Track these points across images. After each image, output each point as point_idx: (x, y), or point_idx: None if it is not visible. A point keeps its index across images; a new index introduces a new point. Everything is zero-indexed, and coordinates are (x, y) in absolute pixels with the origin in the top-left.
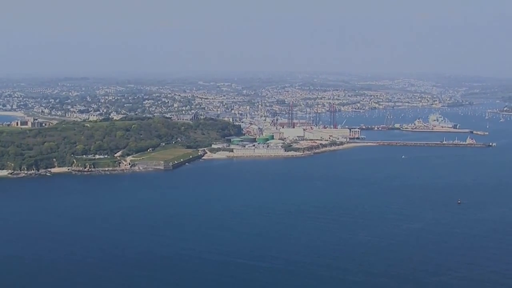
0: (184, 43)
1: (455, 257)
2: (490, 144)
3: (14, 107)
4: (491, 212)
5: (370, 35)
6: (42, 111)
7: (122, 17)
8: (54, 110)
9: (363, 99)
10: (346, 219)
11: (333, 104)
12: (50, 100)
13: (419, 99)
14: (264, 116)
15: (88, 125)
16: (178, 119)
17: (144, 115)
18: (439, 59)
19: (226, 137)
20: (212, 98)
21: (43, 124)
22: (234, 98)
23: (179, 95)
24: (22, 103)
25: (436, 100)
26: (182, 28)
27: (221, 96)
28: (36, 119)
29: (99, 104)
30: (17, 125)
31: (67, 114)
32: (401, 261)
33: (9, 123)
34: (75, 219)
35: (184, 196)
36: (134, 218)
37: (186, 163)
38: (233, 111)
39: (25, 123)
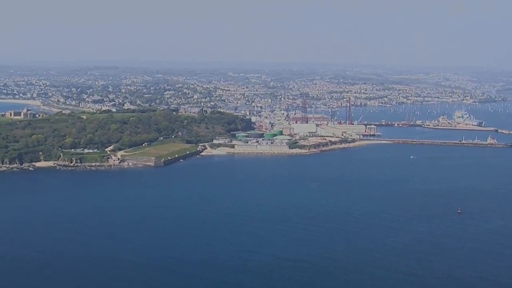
0: (220, 34)
1: (436, 280)
2: None
3: (34, 95)
4: (493, 224)
5: (408, 28)
6: (58, 100)
7: (156, 7)
8: (69, 99)
9: (391, 93)
10: (328, 229)
11: (350, 98)
12: (72, 89)
13: (450, 94)
14: (283, 110)
15: (84, 117)
16: (185, 112)
17: (160, 106)
18: (477, 53)
19: (231, 132)
20: (234, 90)
21: (37, 115)
22: (256, 90)
23: (201, 86)
24: (42, 91)
25: (467, 96)
26: (218, 19)
27: (243, 88)
28: (30, 110)
29: (119, 94)
30: (11, 115)
31: (81, 104)
32: (372, 284)
33: (3, 113)
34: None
35: (162, 196)
36: (92, 221)
37: (181, 159)
38: (253, 104)
39: (19, 113)
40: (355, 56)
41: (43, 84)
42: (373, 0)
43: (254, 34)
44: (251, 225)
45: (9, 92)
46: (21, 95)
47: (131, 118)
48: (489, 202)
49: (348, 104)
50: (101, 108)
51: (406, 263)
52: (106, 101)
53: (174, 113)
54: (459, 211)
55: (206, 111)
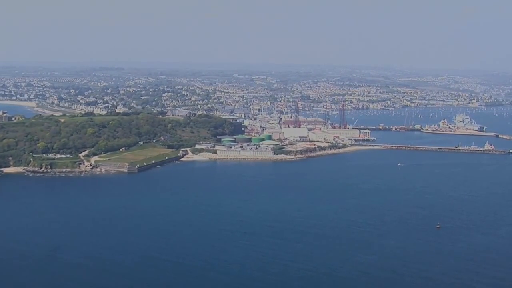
0: (229, 35)
1: None
2: (511, 151)
3: (32, 97)
4: (473, 240)
5: (419, 30)
6: (52, 102)
7: (164, 8)
8: (62, 101)
9: (395, 96)
10: (290, 245)
11: (343, 102)
12: (71, 91)
13: (456, 97)
14: (279, 113)
15: (62, 120)
16: (172, 115)
17: (155, 109)
18: (489, 55)
19: (218, 136)
20: (233, 92)
21: (13, 118)
22: (256, 92)
23: (201, 88)
24: (40, 93)
25: (473, 99)
26: (227, 21)
27: (242, 90)
28: (5, 113)
29: (117, 95)
30: None
31: (73, 106)
32: None
33: None
34: None
35: (125, 206)
36: (42, 232)
37: (158, 166)
38: (251, 106)
39: None
40: (365, 58)
41: (42, 85)
42: (385, 2)
43: (262, 35)
44: (211, 238)
45: (6, 93)
46: (18, 96)
47: (111, 122)
48: (474, 214)
49: (342, 108)
50: (92, 110)
51: (367, 286)
52: (100, 103)
53: (160, 116)
54: (438, 226)
55: (195, 114)
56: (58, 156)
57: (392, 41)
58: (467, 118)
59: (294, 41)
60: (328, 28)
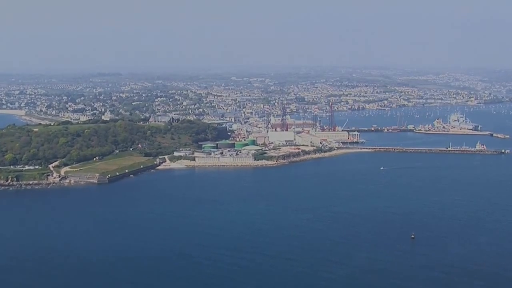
0: (228, 37)
1: None
2: (503, 151)
3: (23, 105)
4: (448, 252)
5: (418, 28)
6: (40, 110)
7: (162, 12)
8: (50, 109)
9: (392, 96)
10: (248, 258)
11: (331, 103)
12: (63, 98)
13: (454, 95)
14: (273, 116)
15: (35, 129)
16: (155, 121)
17: (143, 114)
18: (490, 52)
19: (199, 142)
20: (226, 96)
21: None
22: (250, 95)
23: (194, 92)
24: (31, 101)
25: (472, 97)
26: (227, 22)
27: (235, 93)
28: None
29: (109, 101)
30: None
31: (61, 114)
32: None
33: None
34: None
35: (79, 222)
36: None
37: (131, 175)
38: (244, 110)
39: None
40: (366, 58)
41: (35, 93)
42: (386, 2)
43: (261, 37)
44: (159, 254)
45: None
46: (8, 104)
47: (86, 130)
48: (455, 220)
49: (331, 109)
50: (79, 118)
51: None
52: (88, 110)
53: (141, 122)
54: (412, 236)
55: (178, 119)
56: (27, 167)
57: (393, 40)
58: (462, 117)
59: (293, 42)
60: (328, 28)
